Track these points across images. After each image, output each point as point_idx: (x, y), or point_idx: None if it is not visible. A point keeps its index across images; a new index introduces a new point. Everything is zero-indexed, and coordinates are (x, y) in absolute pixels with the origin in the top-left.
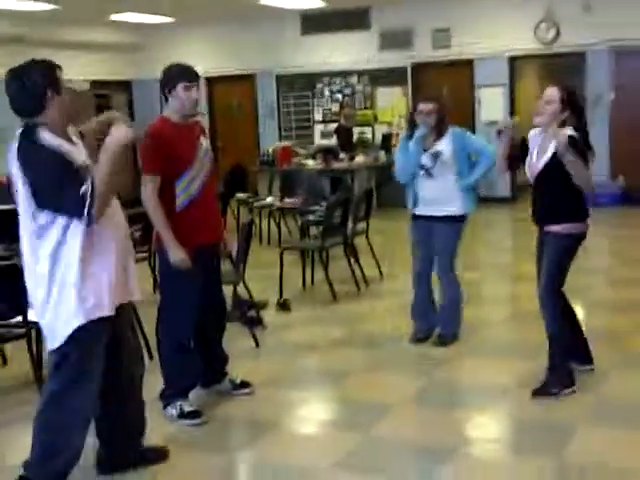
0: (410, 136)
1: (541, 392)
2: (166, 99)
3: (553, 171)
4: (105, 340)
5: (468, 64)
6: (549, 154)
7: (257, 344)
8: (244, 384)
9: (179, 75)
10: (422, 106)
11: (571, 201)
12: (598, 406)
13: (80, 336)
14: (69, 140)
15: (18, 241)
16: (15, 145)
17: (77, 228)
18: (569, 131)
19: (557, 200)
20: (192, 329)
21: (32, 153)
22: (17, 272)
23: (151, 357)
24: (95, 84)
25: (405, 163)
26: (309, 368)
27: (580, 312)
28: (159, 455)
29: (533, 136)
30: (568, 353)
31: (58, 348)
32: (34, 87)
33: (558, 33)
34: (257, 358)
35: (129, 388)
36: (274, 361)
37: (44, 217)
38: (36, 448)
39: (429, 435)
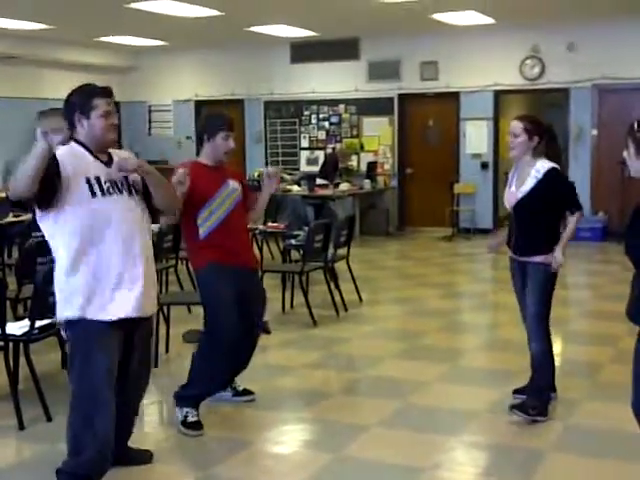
0: None
1: (519, 408)
2: (201, 142)
3: (532, 203)
4: (109, 342)
5: (454, 97)
6: (528, 187)
7: None
8: (246, 392)
9: (220, 125)
10: None
11: (550, 232)
12: (566, 434)
13: (73, 330)
14: (103, 157)
15: (2, 255)
16: None
17: (62, 226)
18: (548, 163)
19: (537, 231)
20: (229, 345)
21: None
22: None
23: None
24: None
25: None
26: (285, 389)
27: (556, 343)
28: (142, 457)
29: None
30: (551, 382)
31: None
32: (67, 106)
33: (543, 70)
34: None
35: (129, 397)
36: (250, 381)
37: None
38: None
39: (399, 456)
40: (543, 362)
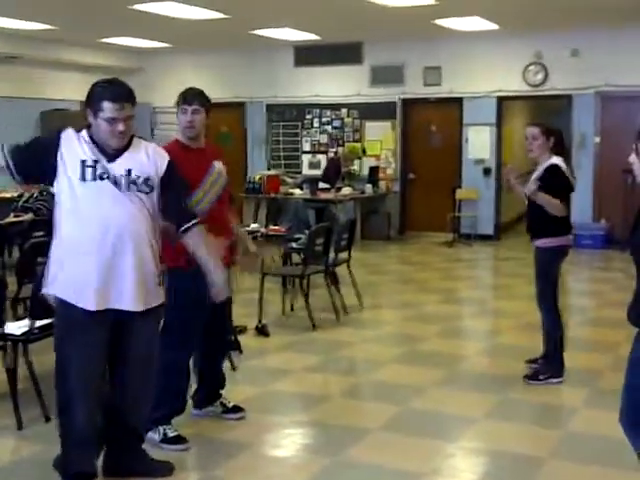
0: None
1: (531, 377)
2: None
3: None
4: (84, 334)
5: (457, 102)
6: (535, 176)
7: (233, 368)
8: (236, 408)
9: (179, 98)
10: None
11: (549, 218)
12: (565, 441)
13: (56, 308)
14: (112, 151)
15: (2, 256)
16: None
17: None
18: (554, 160)
19: (538, 217)
20: (191, 353)
21: None
22: None
23: None
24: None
25: None
26: (284, 392)
27: None
28: (165, 469)
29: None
30: (562, 347)
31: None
32: (87, 95)
33: (546, 76)
34: (233, 381)
35: (132, 403)
36: (250, 385)
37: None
38: None
39: (398, 461)
40: (550, 330)
